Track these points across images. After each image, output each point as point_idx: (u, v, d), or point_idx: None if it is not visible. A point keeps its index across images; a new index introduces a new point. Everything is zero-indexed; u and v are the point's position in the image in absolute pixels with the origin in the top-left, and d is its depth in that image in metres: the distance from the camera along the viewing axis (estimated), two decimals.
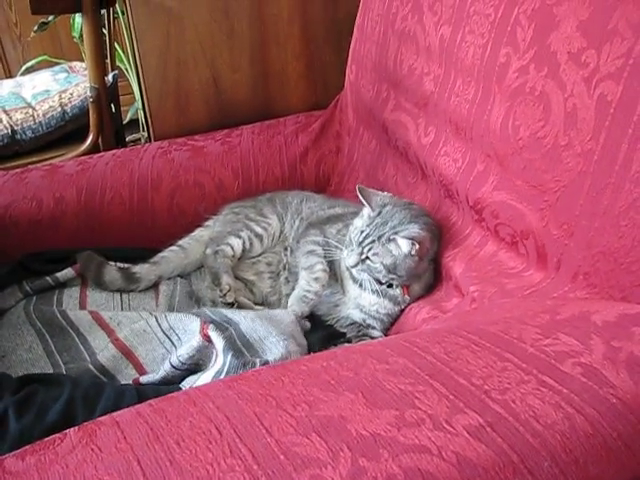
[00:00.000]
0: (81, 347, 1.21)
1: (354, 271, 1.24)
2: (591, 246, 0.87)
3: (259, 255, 1.46)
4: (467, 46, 1.15)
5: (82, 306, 1.36)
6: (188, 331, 1.14)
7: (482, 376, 0.67)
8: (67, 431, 0.65)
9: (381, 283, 1.22)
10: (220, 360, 1.04)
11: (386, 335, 1.24)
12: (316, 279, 1.29)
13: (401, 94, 1.41)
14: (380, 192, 1.28)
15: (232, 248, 1.43)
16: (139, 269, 1.42)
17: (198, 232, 1.52)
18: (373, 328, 1.26)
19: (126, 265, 1.45)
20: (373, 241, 1.19)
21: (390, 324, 1.26)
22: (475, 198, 1.13)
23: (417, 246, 1.15)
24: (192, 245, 1.49)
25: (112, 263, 1.44)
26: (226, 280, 1.36)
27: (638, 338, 0.70)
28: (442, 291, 1.19)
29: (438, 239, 1.23)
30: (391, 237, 1.17)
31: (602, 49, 0.85)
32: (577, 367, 0.67)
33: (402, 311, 1.25)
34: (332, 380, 0.67)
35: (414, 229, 1.16)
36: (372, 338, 1.23)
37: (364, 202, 1.24)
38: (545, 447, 0.59)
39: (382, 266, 1.19)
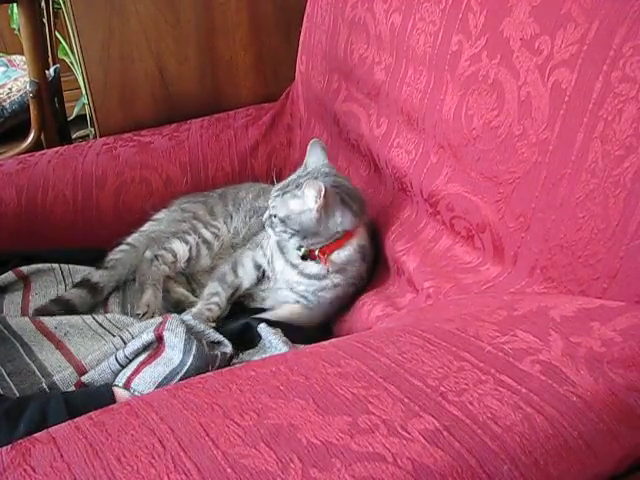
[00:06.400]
0: (26, 358, 1.13)
1: (266, 226, 1.24)
2: (548, 239, 0.86)
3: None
4: (418, 34, 1.13)
5: (24, 312, 1.30)
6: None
7: (438, 377, 0.64)
8: None
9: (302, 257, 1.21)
10: (176, 358, 1.00)
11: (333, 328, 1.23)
12: (209, 309, 1.25)
13: (352, 84, 1.39)
14: (327, 163, 1.25)
15: (174, 255, 1.37)
16: (98, 278, 1.36)
17: (148, 227, 1.48)
18: None
19: (71, 267, 1.39)
20: (278, 195, 1.19)
21: (332, 309, 1.24)
22: (429, 191, 1.11)
23: (318, 198, 1.13)
24: (142, 242, 1.43)
25: (57, 264, 1.39)
26: (147, 299, 1.29)
27: (597, 333, 0.69)
28: (395, 286, 1.17)
29: (352, 208, 1.19)
30: (291, 190, 1.18)
31: (555, 35, 0.83)
32: (536, 365, 0.65)
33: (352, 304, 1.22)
34: (282, 386, 0.65)
35: (315, 182, 1.13)
36: None
37: (307, 155, 1.25)
38: (504, 450, 0.57)
39: (277, 220, 1.18)
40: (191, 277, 1.40)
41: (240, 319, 1.21)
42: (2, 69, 2.35)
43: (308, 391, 0.63)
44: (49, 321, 1.20)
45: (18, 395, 1.04)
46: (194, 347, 1.01)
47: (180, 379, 0.97)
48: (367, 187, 1.36)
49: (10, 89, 2.15)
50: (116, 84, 1.74)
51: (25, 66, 2.12)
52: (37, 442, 0.61)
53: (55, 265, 1.41)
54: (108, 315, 1.23)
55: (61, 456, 0.58)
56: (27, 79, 2.01)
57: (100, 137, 1.75)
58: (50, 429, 0.63)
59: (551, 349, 0.67)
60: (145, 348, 1.04)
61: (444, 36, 1.06)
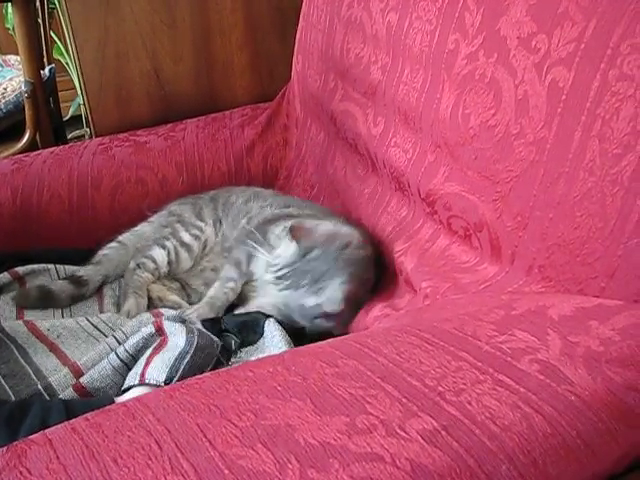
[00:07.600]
0: (21, 361, 1.12)
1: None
2: (546, 238, 0.85)
3: (200, 264, 1.39)
4: (415, 33, 1.12)
5: (19, 314, 1.29)
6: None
7: (436, 377, 0.64)
8: None
9: None
10: (181, 341, 1.01)
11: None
12: (225, 293, 1.24)
13: (349, 84, 1.39)
14: (316, 229, 1.19)
15: (155, 261, 1.36)
16: (84, 271, 1.36)
17: (140, 227, 1.47)
18: None
19: (67, 268, 1.39)
20: (289, 287, 1.14)
21: None
22: (426, 190, 1.10)
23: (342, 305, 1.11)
24: (132, 240, 1.44)
25: (53, 265, 1.39)
26: (127, 307, 1.28)
27: (595, 332, 0.68)
28: (394, 287, 1.16)
29: (371, 276, 1.19)
30: (306, 285, 1.13)
31: (553, 33, 0.83)
32: (534, 364, 0.65)
33: None
34: (279, 386, 0.64)
35: (334, 293, 1.11)
36: None
37: (294, 242, 1.17)
38: (503, 450, 0.57)
39: None
40: (184, 282, 1.40)
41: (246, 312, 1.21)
42: None
43: (305, 391, 0.63)
44: (42, 324, 1.19)
45: (14, 398, 1.03)
46: (195, 329, 1.03)
47: (190, 358, 0.98)
48: (364, 187, 1.35)
49: (5, 89, 2.13)
50: (111, 84, 1.73)
51: (20, 66, 2.10)
52: (33, 444, 0.60)
53: (50, 266, 1.40)
54: (103, 316, 1.22)
55: (57, 458, 0.57)
56: (22, 79, 1.99)
57: (96, 137, 1.74)
58: (46, 431, 0.63)
59: (549, 348, 0.67)
60: (146, 342, 1.04)
61: (441, 35, 1.05)
